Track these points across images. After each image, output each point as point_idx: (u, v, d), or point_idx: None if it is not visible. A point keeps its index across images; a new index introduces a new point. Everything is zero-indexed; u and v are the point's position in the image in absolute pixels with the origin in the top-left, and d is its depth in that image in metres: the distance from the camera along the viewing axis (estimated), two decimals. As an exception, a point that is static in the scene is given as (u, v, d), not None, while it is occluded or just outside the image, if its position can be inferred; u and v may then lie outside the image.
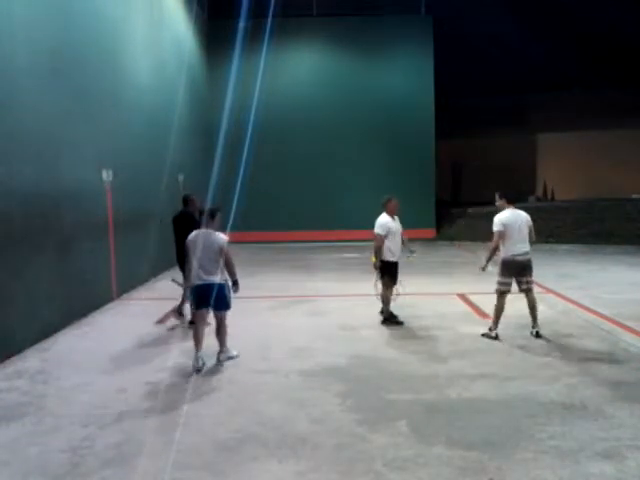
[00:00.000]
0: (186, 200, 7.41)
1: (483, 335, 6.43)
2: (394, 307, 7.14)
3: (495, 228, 6.36)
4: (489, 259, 6.45)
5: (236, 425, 4.13)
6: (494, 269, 6.52)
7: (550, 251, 13.96)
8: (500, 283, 6.42)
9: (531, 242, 6.42)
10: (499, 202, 6.56)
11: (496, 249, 6.42)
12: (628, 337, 6.31)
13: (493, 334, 6.37)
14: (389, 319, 7.13)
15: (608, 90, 22.52)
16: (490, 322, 6.48)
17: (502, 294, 6.40)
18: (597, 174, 22.64)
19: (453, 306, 8.11)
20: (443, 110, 19.05)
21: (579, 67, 21.70)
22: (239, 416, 4.30)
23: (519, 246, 6.31)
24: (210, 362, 5.57)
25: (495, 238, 6.38)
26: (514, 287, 6.47)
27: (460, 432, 3.95)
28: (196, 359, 5.41)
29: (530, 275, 6.41)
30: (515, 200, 6.66)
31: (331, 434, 3.96)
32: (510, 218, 6.37)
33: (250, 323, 7.27)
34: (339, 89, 17.89)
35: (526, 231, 6.37)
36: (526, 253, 6.34)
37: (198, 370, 5.33)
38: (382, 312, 7.26)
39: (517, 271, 6.36)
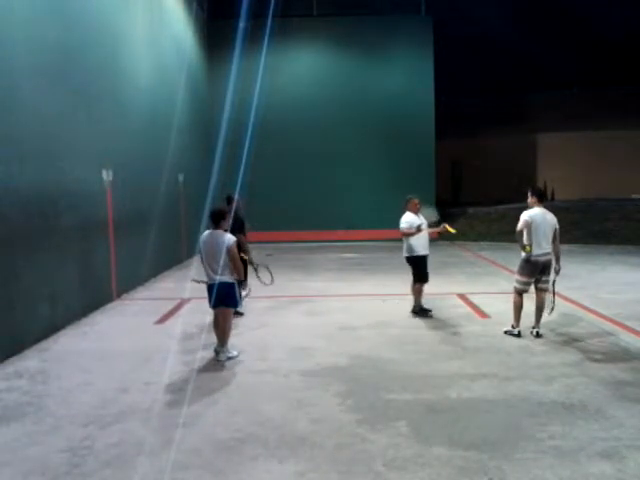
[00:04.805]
0: (229, 199, 7.78)
1: (506, 332, 6.51)
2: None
3: (520, 225, 6.35)
4: (522, 243, 6.36)
5: (236, 425, 4.13)
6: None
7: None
8: (520, 282, 6.48)
9: (556, 245, 6.41)
10: (530, 200, 6.53)
11: (521, 237, 6.38)
12: (628, 337, 6.31)
13: (516, 331, 6.46)
14: (419, 312, 7.51)
15: (608, 90, 22.53)
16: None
17: (519, 293, 6.50)
18: (597, 174, 22.66)
19: (453, 306, 8.11)
20: (443, 110, 19.04)
21: (579, 67, 21.71)
22: (239, 416, 4.30)
23: (542, 246, 6.31)
24: (209, 356, 5.61)
25: (519, 232, 6.35)
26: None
27: (460, 432, 3.95)
28: (216, 352, 5.72)
29: (547, 275, 6.44)
30: (543, 197, 6.67)
31: (331, 434, 3.96)
32: (536, 216, 6.35)
33: (250, 323, 7.27)
34: (339, 89, 17.88)
35: (550, 233, 6.35)
36: (547, 254, 6.35)
37: (218, 360, 5.63)
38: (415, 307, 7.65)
39: (538, 271, 6.38)
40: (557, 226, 6.42)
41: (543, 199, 6.66)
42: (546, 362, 5.48)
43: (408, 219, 7.41)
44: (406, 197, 7.69)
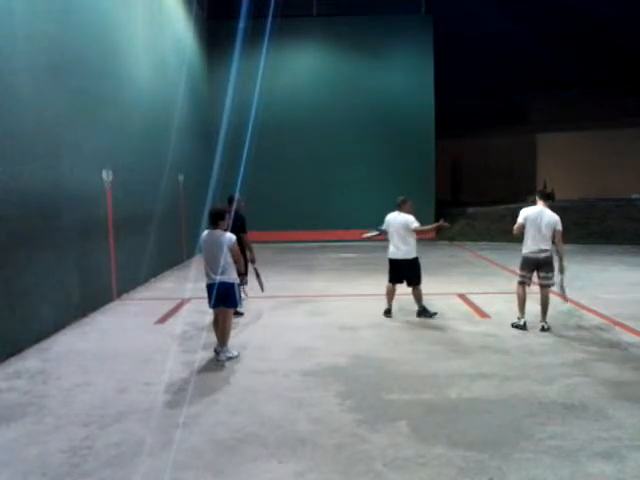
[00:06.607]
0: (231, 199, 7.74)
1: (513, 325, 6.67)
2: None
3: (517, 219, 6.70)
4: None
5: (236, 425, 4.13)
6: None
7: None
8: (520, 275, 6.77)
9: (557, 245, 6.52)
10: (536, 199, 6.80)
11: (517, 234, 6.73)
12: (628, 337, 6.31)
13: (521, 322, 6.62)
14: (422, 312, 7.42)
15: (608, 90, 22.54)
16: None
17: (519, 283, 6.73)
18: (597, 174, 22.66)
19: (453, 306, 8.11)
20: (443, 110, 19.05)
21: (579, 67, 21.74)
22: (239, 416, 4.30)
23: (535, 242, 6.50)
24: (209, 356, 5.61)
25: (515, 227, 6.72)
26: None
27: (460, 432, 3.95)
28: (216, 352, 5.74)
29: (547, 272, 6.56)
30: (547, 198, 6.85)
31: (331, 434, 3.96)
32: (531, 214, 6.57)
33: (250, 323, 7.27)
34: (339, 89, 17.89)
35: (546, 231, 6.46)
36: (542, 251, 6.49)
37: (218, 360, 5.63)
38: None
39: (533, 267, 6.59)
40: (558, 227, 6.49)
41: (546, 199, 6.80)
42: (546, 362, 5.48)
43: (414, 218, 7.35)
44: (401, 198, 7.50)
